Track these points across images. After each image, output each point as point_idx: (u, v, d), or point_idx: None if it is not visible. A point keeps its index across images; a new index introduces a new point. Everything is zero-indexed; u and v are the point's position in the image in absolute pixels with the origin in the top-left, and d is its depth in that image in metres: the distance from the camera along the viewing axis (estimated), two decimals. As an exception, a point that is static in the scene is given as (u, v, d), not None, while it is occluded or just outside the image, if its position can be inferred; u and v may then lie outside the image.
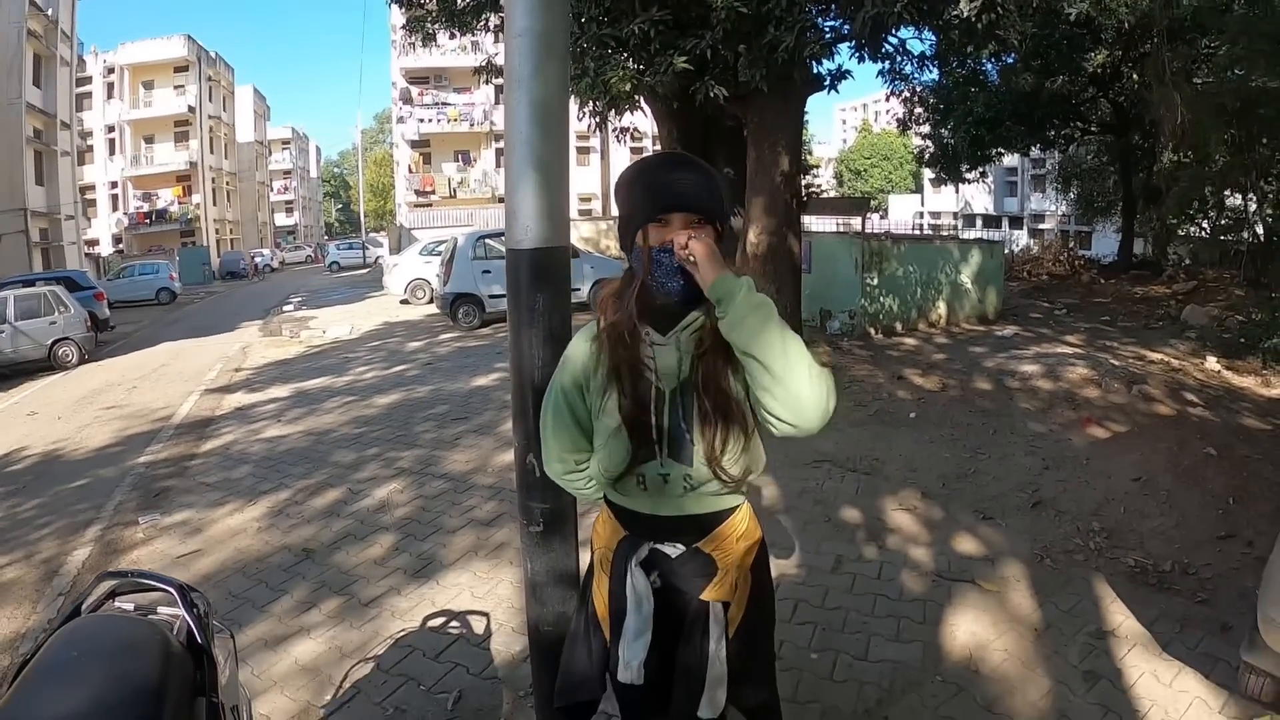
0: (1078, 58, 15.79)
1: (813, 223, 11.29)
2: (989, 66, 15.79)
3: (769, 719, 1.74)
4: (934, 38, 8.65)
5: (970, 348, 9.13)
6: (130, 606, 1.89)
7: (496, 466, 5.68)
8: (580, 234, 18.56)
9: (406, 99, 37.20)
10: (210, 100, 43.85)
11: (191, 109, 41.26)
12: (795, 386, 1.39)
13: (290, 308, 20.15)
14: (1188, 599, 3.40)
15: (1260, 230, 12.89)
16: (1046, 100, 16.60)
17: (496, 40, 9.33)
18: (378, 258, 32.96)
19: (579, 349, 1.63)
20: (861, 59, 7.63)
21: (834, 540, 4.16)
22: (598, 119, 8.84)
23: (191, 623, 1.77)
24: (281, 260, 48.40)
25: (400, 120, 38.26)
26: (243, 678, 2.35)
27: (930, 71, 11.53)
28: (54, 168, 27.26)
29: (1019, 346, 8.89)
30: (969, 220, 45.33)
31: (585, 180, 34.51)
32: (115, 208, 41.14)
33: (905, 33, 7.78)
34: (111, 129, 40.73)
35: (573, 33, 6.34)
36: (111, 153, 40.89)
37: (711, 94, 7.11)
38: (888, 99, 14.76)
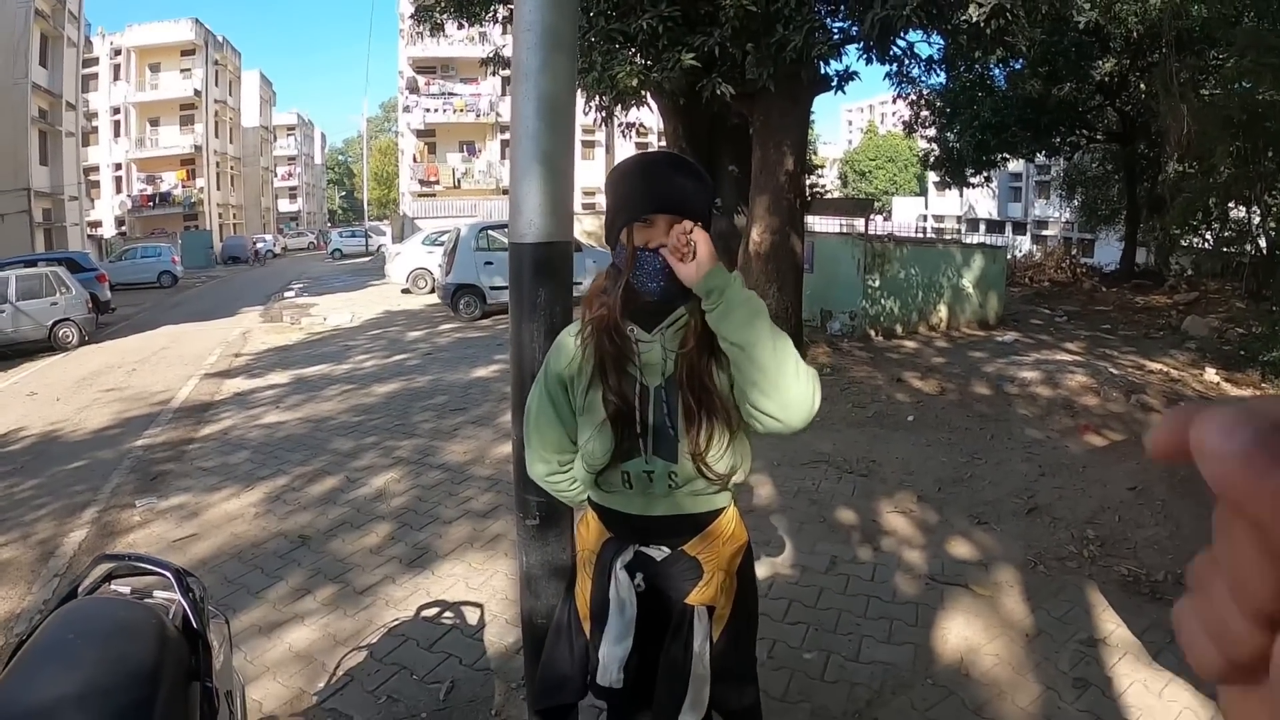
0: (1086, 65, 15.77)
1: (816, 223, 11.31)
2: (996, 71, 15.79)
3: None
4: (942, 41, 8.64)
5: (970, 352, 9.13)
6: (127, 590, 1.89)
7: (494, 458, 5.68)
8: (583, 227, 18.51)
9: (413, 88, 37.12)
10: (216, 84, 43.78)
11: (197, 92, 41.22)
12: (783, 381, 1.40)
13: (291, 294, 20.14)
14: (1180, 609, 3.40)
15: (1263, 243, 12.88)
16: (1053, 107, 16.59)
17: (504, 32, 9.32)
18: (380, 246, 32.94)
19: (564, 345, 1.64)
20: (869, 60, 7.62)
21: (829, 541, 4.17)
22: (604, 113, 8.84)
23: (187, 607, 1.77)
24: (284, 246, 48.34)
25: (406, 109, 38.15)
26: (236, 663, 2.36)
27: (938, 75, 11.53)
28: (58, 148, 27.23)
29: (1019, 352, 8.90)
30: (972, 224, 45.29)
31: (590, 174, 34.42)
32: (119, 190, 41.13)
33: (913, 36, 7.76)
34: (117, 111, 40.69)
35: (581, 27, 6.33)
36: (116, 135, 40.87)
37: (718, 91, 7.11)
38: (894, 101, 14.74)
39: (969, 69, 13.73)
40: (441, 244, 15.85)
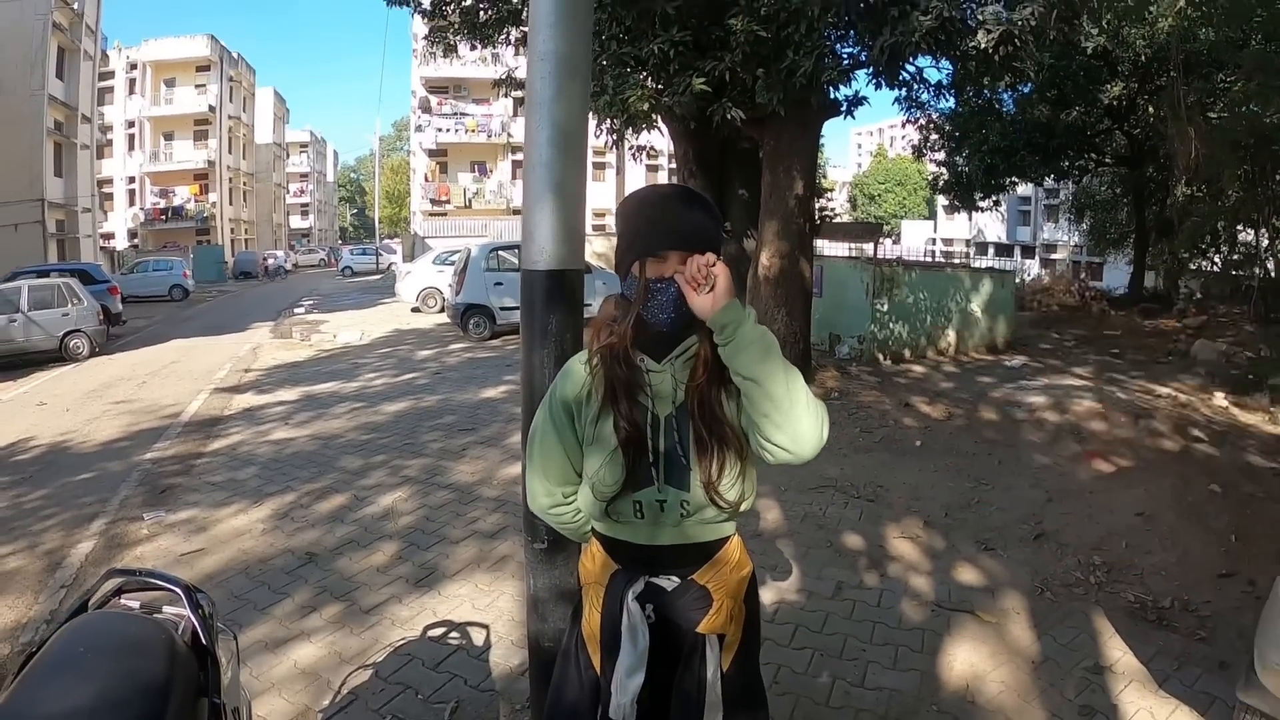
0: (1094, 89, 15.83)
1: (825, 247, 11.32)
2: (1005, 96, 15.82)
3: None
4: (951, 67, 8.69)
5: (978, 377, 9.12)
6: (136, 605, 1.91)
7: (502, 479, 5.69)
8: (594, 249, 18.56)
9: (425, 108, 37.49)
10: (231, 100, 44.35)
11: (212, 108, 41.77)
12: (795, 413, 1.41)
13: (302, 310, 20.26)
14: (1186, 636, 3.39)
15: (1272, 266, 12.88)
16: (1061, 131, 16.65)
17: (517, 54, 9.42)
18: (390, 264, 33.17)
19: (573, 371, 1.63)
20: (878, 85, 7.66)
21: (835, 566, 4.16)
22: (615, 136, 8.90)
23: (197, 623, 1.79)
24: (295, 263, 48.70)
25: (418, 129, 38.53)
26: (242, 679, 2.37)
27: (946, 99, 11.53)
28: (73, 160, 27.56)
29: (1027, 377, 8.88)
30: (981, 248, 45.34)
31: (600, 196, 34.56)
32: (132, 203, 41.60)
33: (922, 61, 7.81)
34: (131, 124, 41.26)
35: (593, 51, 6.40)
36: (130, 148, 41.40)
37: (729, 116, 7.17)
38: (904, 125, 14.79)
39: (978, 94, 13.77)
40: (452, 263, 15.92)
